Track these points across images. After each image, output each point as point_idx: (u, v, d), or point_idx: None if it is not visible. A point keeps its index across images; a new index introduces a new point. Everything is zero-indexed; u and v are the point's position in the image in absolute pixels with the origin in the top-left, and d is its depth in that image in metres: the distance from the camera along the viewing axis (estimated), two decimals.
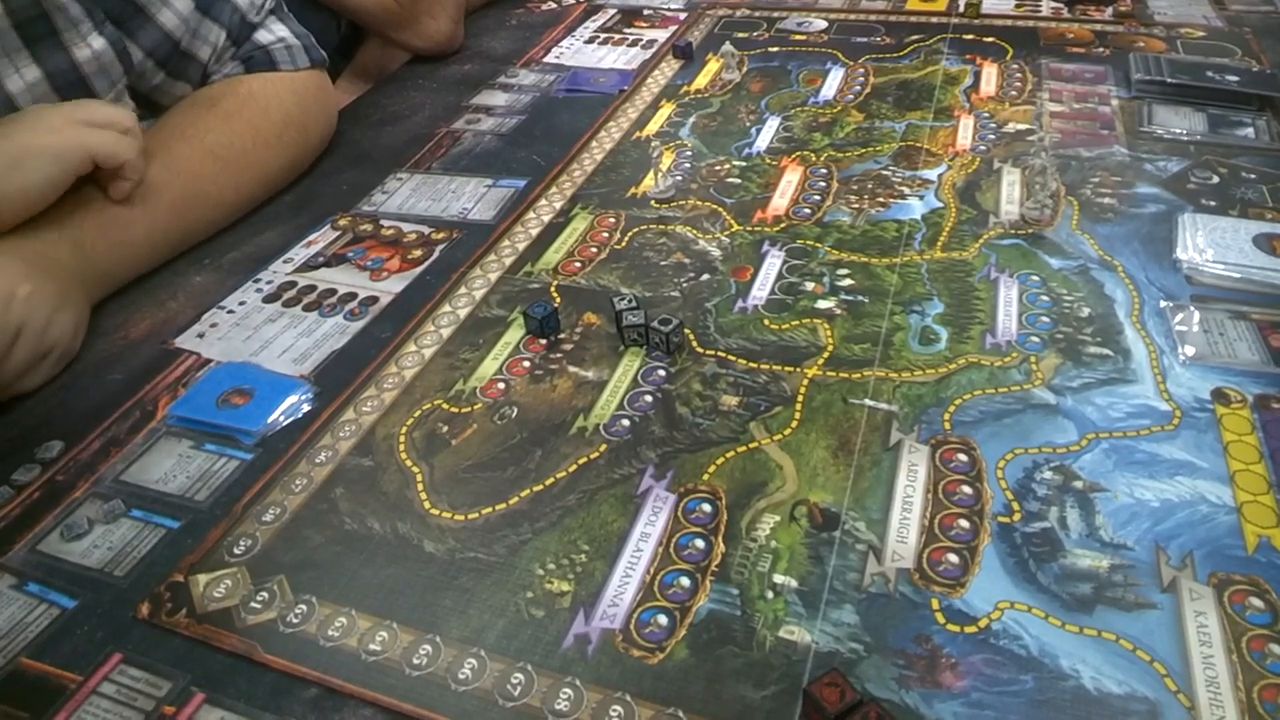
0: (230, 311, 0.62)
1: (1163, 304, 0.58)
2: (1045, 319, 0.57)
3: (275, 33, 0.79)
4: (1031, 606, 0.40)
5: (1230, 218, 0.65)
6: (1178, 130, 0.78)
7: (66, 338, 0.58)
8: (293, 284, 0.65)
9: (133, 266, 0.66)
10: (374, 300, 0.62)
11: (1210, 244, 0.62)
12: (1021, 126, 0.79)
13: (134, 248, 0.65)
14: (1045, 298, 0.59)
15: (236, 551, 0.45)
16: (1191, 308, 0.57)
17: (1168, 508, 0.44)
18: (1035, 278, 0.61)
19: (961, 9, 1.05)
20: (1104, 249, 0.63)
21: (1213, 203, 0.67)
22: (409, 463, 0.50)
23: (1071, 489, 0.46)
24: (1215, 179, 0.71)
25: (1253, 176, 0.70)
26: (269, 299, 0.63)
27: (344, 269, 0.66)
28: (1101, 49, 0.93)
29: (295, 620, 0.42)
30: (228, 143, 0.71)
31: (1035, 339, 0.55)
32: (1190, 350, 0.54)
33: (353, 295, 0.63)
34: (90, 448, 0.52)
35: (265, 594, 0.43)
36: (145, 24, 0.70)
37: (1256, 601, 0.40)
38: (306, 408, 0.54)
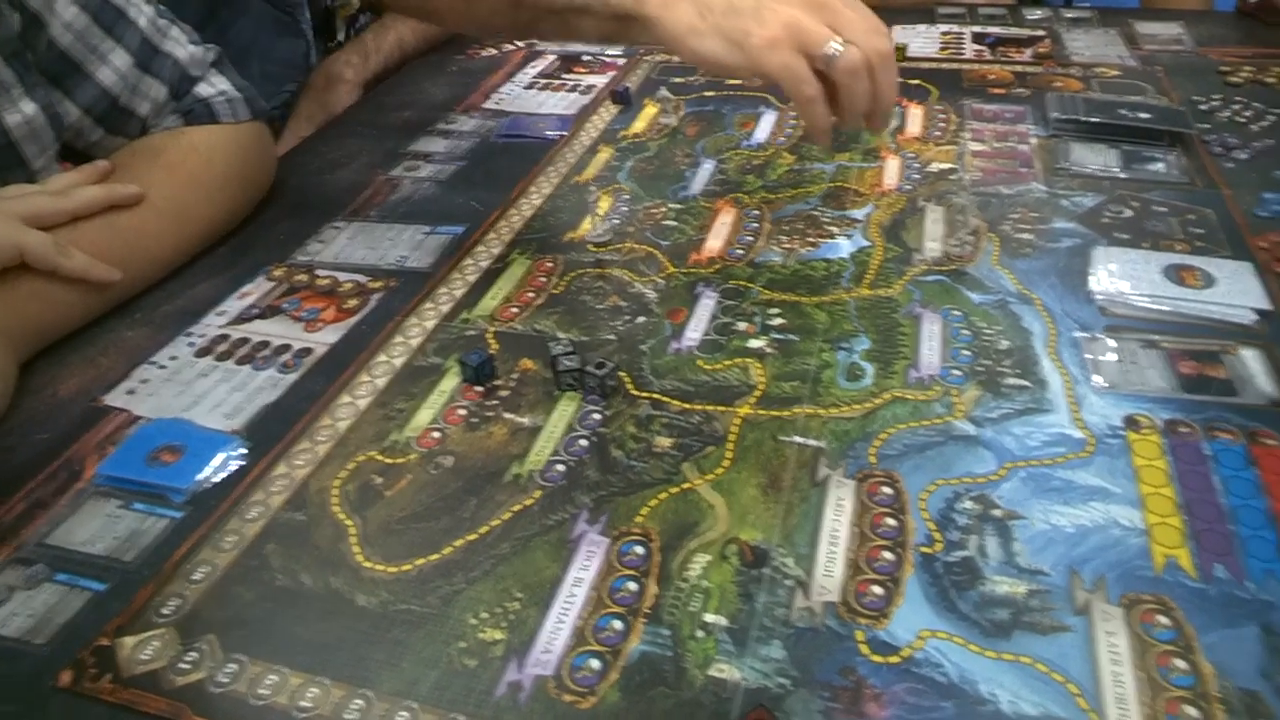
0: (161, 367, 0.62)
1: (1077, 335, 0.60)
2: (966, 352, 0.59)
3: (216, 86, 0.79)
4: (952, 634, 0.41)
5: (1142, 250, 0.68)
6: (1093, 167, 0.81)
7: None
8: (225, 337, 0.64)
9: (66, 324, 0.65)
10: (308, 352, 0.62)
11: (1123, 276, 0.65)
12: (945, 166, 0.82)
13: (68, 305, 0.64)
14: (966, 332, 0.61)
15: (165, 612, 0.45)
16: (1105, 337, 0.60)
17: (1082, 533, 0.46)
18: (957, 312, 0.63)
19: None
20: (1023, 283, 0.65)
21: (1126, 236, 0.70)
22: (342, 516, 0.50)
23: (990, 518, 0.47)
24: (1128, 213, 0.74)
25: (1164, 210, 0.74)
26: (201, 353, 0.63)
27: (278, 320, 0.66)
28: (1021, 89, 0.97)
29: (225, 680, 0.41)
30: (171, 195, 0.70)
31: (957, 372, 0.57)
32: (1103, 379, 0.56)
33: (287, 347, 0.63)
34: (13, 510, 0.51)
35: (195, 654, 0.43)
36: (83, 82, 0.70)
37: (1163, 619, 0.41)
38: (238, 463, 0.53)
